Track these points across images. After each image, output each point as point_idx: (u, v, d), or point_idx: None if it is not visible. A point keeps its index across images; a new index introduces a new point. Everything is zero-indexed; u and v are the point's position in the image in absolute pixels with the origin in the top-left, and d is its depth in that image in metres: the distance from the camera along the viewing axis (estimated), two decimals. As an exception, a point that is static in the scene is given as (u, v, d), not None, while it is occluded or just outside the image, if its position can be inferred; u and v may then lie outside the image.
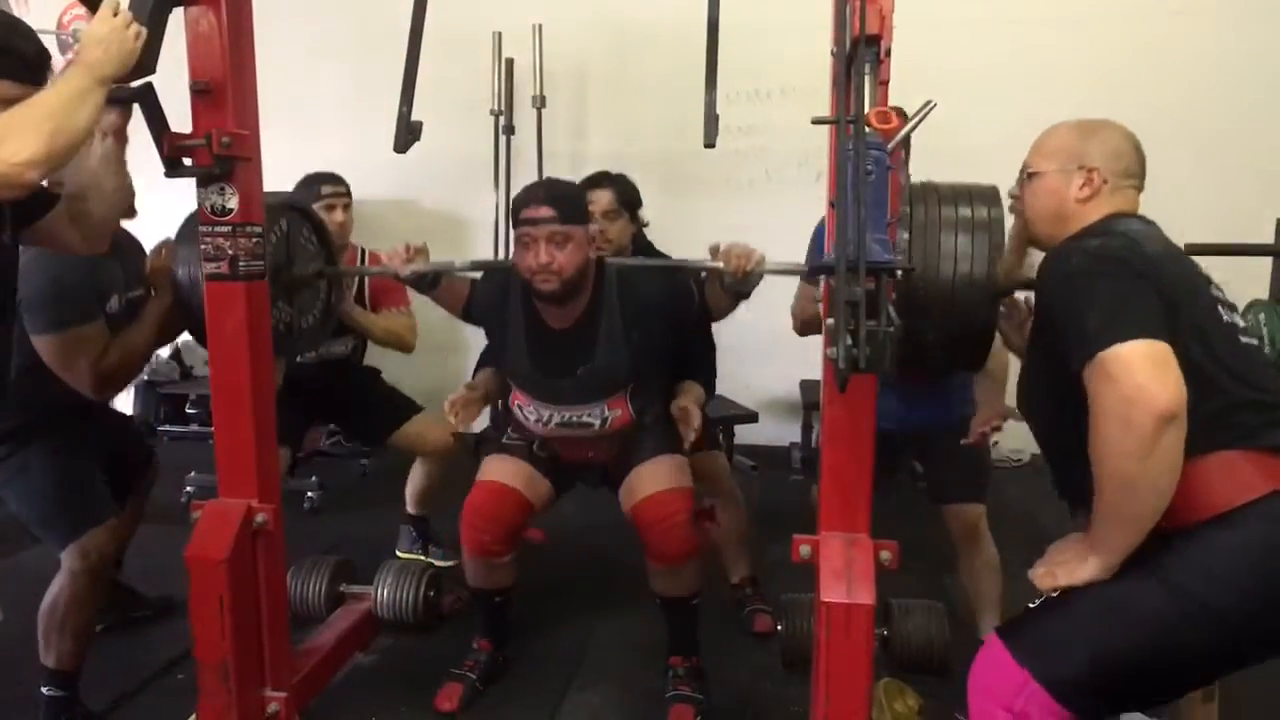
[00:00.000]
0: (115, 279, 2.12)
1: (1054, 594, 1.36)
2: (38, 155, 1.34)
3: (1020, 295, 1.74)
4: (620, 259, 2.20)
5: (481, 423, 3.84)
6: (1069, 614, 1.34)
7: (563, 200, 1.97)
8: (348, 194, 2.81)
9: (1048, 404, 1.47)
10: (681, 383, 2.37)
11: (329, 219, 2.66)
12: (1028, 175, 1.55)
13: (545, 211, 1.93)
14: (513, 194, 4.08)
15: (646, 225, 2.63)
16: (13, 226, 1.61)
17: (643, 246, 2.61)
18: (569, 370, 2.06)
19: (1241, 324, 1.40)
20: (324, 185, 2.77)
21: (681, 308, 2.09)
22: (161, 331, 2.15)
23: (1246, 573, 1.25)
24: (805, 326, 2.36)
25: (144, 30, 1.51)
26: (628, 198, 2.51)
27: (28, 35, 1.52)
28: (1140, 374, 1.19)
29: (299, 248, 2.19)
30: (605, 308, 2.06)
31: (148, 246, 2.27)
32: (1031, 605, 1.41)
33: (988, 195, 1.65)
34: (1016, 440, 4.21)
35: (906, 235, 1.57)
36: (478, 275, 2.25)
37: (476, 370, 2.58)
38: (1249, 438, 1.29)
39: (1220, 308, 1.38)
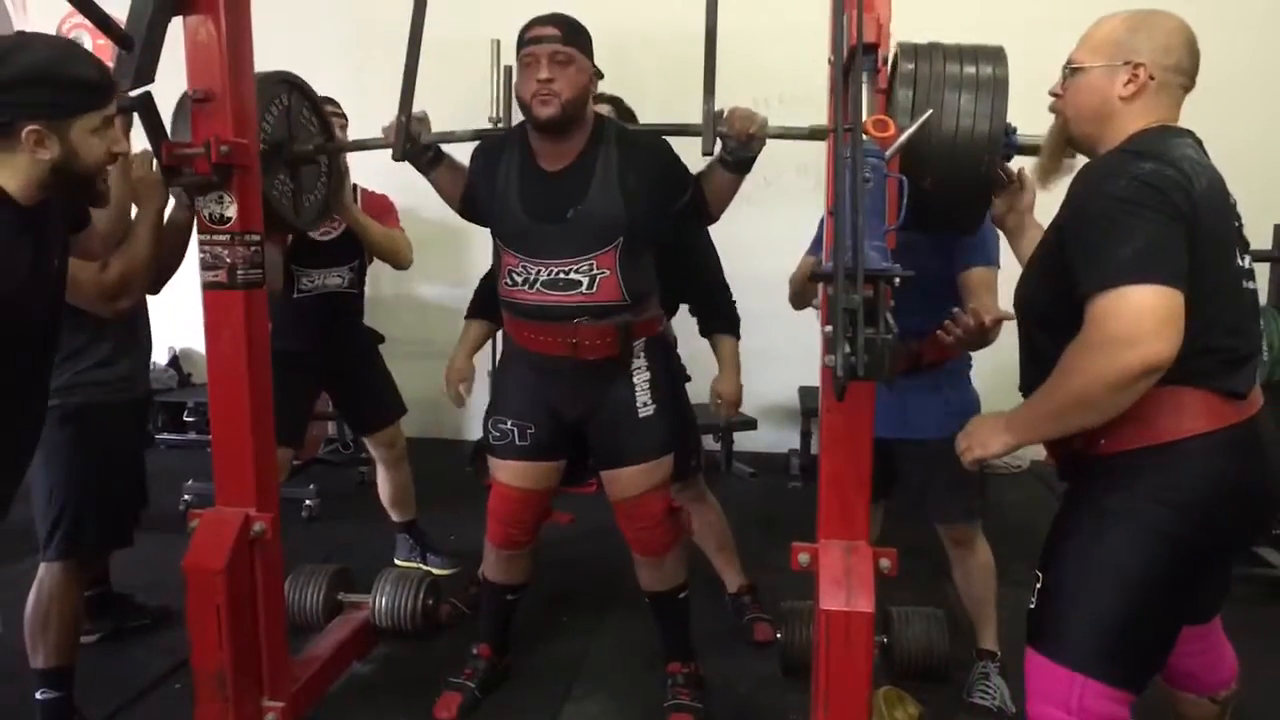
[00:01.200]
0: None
1: (1035, 585, 1.44)
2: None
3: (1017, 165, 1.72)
4: (620, 122, 2.15)
5: (477, 429, 3.85)
6: (1060, 597, 1.40)
7: (567, 22, 1.95)
8: (343, 115, 2.78)
9: (1045, 298, 1.46)
10: (714, 338, 2.45)
11: None
12: (1071, 70, 1.47)
13: (550, 30, 1.92)
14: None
15: (602, 77, 2.35)
16: (63, 251, 1.60)
17: (609, 123, 2.49)
18: (560, 214, 1.97)
19: (1248, 267, 1.43)
20: (324, 106, 2.75)
21: (677, 181, 2.02)
22: (161, 243, 2.08)
23: (1191, 493, 1.33)
24: (799, 297, 2.29)
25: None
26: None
27: (88, 60, 1.48)
28: (1148, 321, 1.22)
29: (299, 124, 2.16)
30: (601, 152, 2.00)
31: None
32: (1031, 606, 1.44)
33: (992, 54, 1.63)
34: (1015, 447, 4.20)
35: (910, 92, 1.55)
36: (474, 159, 2.17)
37: (466, 319, 2.58)
38: (1209, 378, 1.33)
39: (1236, 249, 1.40)
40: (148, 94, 1.65)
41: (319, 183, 2.29)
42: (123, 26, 1.60)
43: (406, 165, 2.00)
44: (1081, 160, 1.49)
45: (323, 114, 2.27)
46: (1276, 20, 3.90)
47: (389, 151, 1.90)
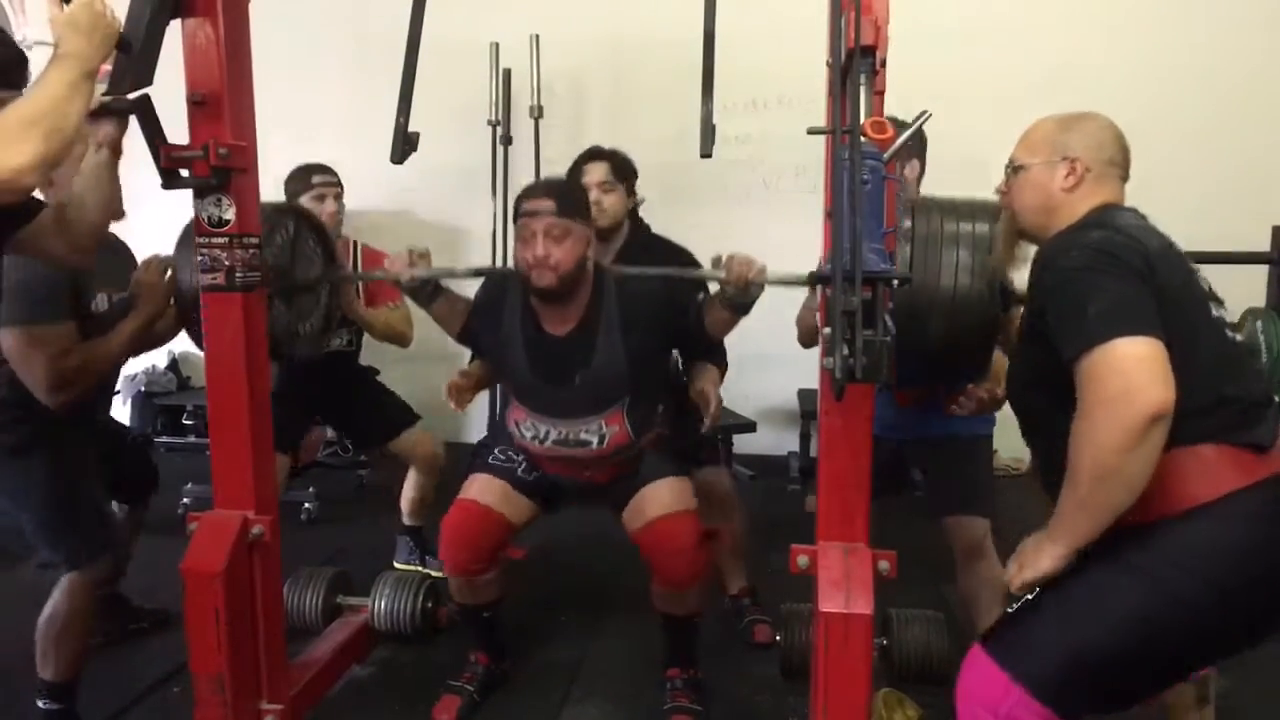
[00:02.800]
0: (110, 276, 2.10)
1: (1027, 596, 1.38)
2: (35, 158, 1.30)
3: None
4: (619, 267, 2.19)
5: (480, 431, 3.85)
6: (1045, 614, 1.36)
7: (563, 194, 1.97)
8: (338, 184, 2.82)
9: (1038, 395, 1.47)
10: (694, 365, 2.36)
11: (320, 209, 2.68)
12: (1013, 169, 1.56)
13: (545, 203, 1.93)
14: (510, 204, 4.12)
15: (643, 201, 2.59)
16: None
17: (638, 228, 2.58)
18: (568, 377, 2.05)
19: (1228, 319, 1.42)
20: (315, 175, 2.78)
21: (678, 308, 2.07)
22: (136, 348, 2.13)
23: (1213, 567, 1.27)
24: (807, 335, 2.34)
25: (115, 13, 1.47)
26: (623, 170, 2.49)
27: (6, 42, 1.51)
28: (1136, 372, 1.21)
29: (301, 252, 2.18)
30: (603, 313, 2.05)
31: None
32: (1010, 610, 1.43)
33: (988, 210, 1.66)
34: (1016, 449, 4.20)
35: (909, 248, 1.57)
36: (477, 302, 2.24)
37: (472, 361, 2.57)
38: (1225, 433, 1.31)
39: (1210, 303, 1.40)
40: (145, 96, 1.65)
41: (318, 307, 2.30)
42: (121, 30, 1.59)
43: (403, 171, 2.00)
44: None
45: (325, 238, 2.28)
46: (1276, 25, 3.91)
47: (387, 154, 1.89)
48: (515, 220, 2.00)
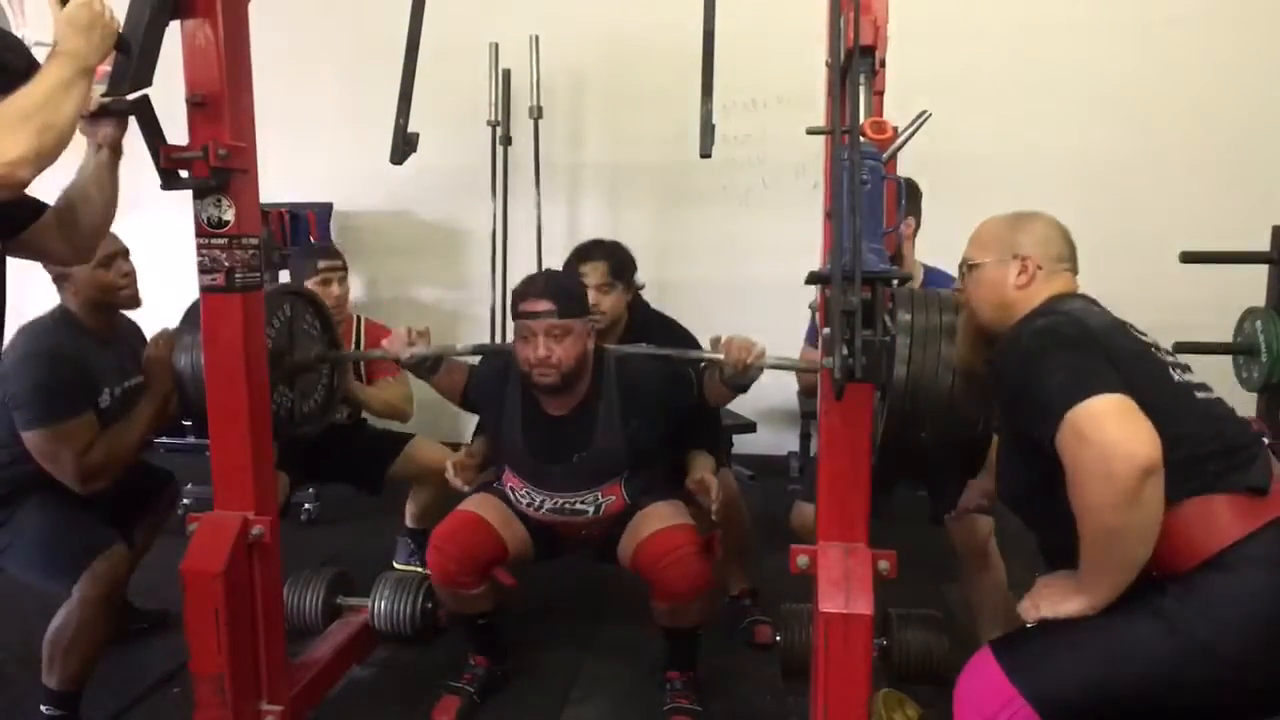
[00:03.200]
0: (110, 371, 2.13)
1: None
2: (28, 153, 1.30)
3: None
4: (620, 348, 2.18)
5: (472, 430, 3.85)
6: (1068, 639, 1.35)
7: (562, 293, 1.98)
8: (344, 267, 2.87)
9: (1028, 486, 1.47)
10: (690, 454, 2.28)
11: (324, 293, 2.70)
12: (968, 267, 1.60)
13: (544, 305, 1.95)
14: (510, 205, 4.12)
15: (642, 288, 2.60)
16: (1, 237, 1.60)
17: (641, 311, 2.59)
18: (565, 457, 2.07)
19: (1196, 380, 1.43)
20: (320, 260, 2.82)
21: (680, 395, 2.11)
22: (154, 428, 2.16)
23: (1249, 618, 1.26)
24: (809, 390, 2.35)
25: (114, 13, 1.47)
26: (621, 267, 2.47)
27: (15, 48, 1.51)
28: (1112, 428, 1.21)
29: (301, 333, 2.19)
30: (604, 396, 2.07)
31: (141, 264, 2.27)
32: (1030, 624, 1.41)
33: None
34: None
35: (908, 340, 1.57)
36: (476, 360, 2.26)
37: (474, 436, 2.57)
38: (1220, 481, 1.31)
39: (1171, 369, 1.41)
40: (144, 97, 1.65)
41: (320, 384, 2.31)
42: (120, 30, 1.59)
43: (402, 172, 1.99)
44: None
45: (325, 316, 2.30)
46: (1275, 26, 3.91)
47: (385, 156, 1.89)
48: (514, 317, 2.02)
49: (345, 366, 2.50)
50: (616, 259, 2.47)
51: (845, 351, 1.23)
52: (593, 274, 2.41)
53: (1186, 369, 1.45)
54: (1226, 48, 3.84)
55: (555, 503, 2.11)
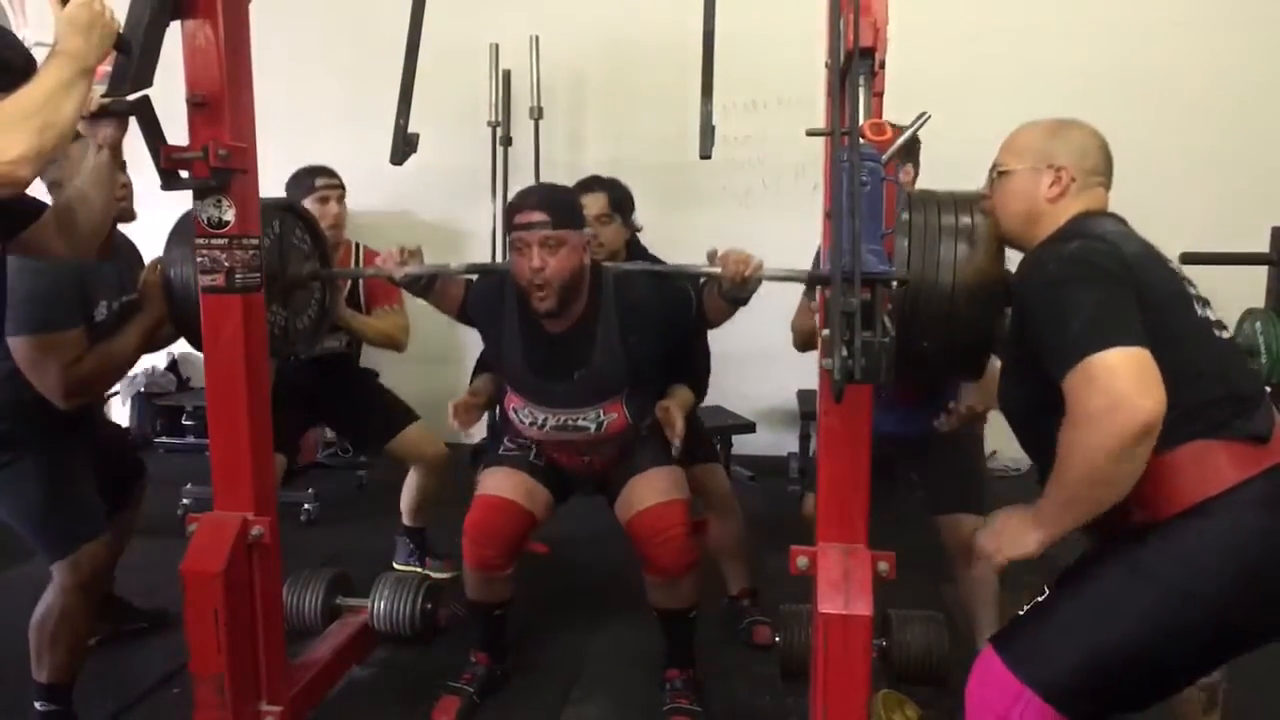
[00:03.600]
0: (108, 284, 2.10)
1: (1038, 598, 1.39)
2: (29, 151, 1.31)
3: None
4: (618, 264, 2.19)
5: (479, 432, 3.85)
6: (1057, 618, 1.36)
7: (556, 204, 1.96)
8: (341, 186, 2.80)
9: (1028, 405, 1.47)
10: (670, 386, 2.34)
11: (323, 211, 2.67)
12: (997, 174, 1.55)
13: (538, 216, 1.93)
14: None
15: (640, 230, 2.61)
16: (1, 237, 1.60)
17: (637, 251, 2.60)
18: (565, 374, 2.05)
19: (1216, 319, 1.42)
20: (317, 178, 2.76)
21: (679, 314, 2.08)
22: (145, 347, 2.13)
23: (1224, 560, 1.27)
24: (804, 341, 2.34)
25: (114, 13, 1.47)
26: (620, 201, 2.50)
27: (15, 46, 1.51)
28: (1124, 382, 1.21)
29: (293, 249, 2.17)
30: (602, 312, 2.05)
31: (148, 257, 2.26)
32: (1020, 613, 1.42)
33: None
34: (1015, 450, 4.20)
35: (906, 242, 1.57)
36: (474, 277, 2.23)
37: (475, 373, 2.57)
38: (1220, 428, 1.31)
39: (1195, 303, 1.40)
40: (145, 98, 1.65)
41: (311, 303, 2.28)
42: (120, 31, 1.59)
43: (402, 172, 1.99)
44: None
45: (317, 232, 2.27)
46: (1272, 23, 3.91)
47: (384, 156, 1.89)
48: (508, 231, 2.00)
49: (337, 286, 2.44)
50: (617, 192, 2.49)
51: (845, 353, 1.23)
52: (593, 204, 2.41)
53: (1207, 304, 1.43)
54: (1225, 49, 3.84)
55: (558, 419, 2.09)
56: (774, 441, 4.35)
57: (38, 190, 1.61)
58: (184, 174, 1.74)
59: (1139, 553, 1.31)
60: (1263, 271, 2.64)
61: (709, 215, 4.17)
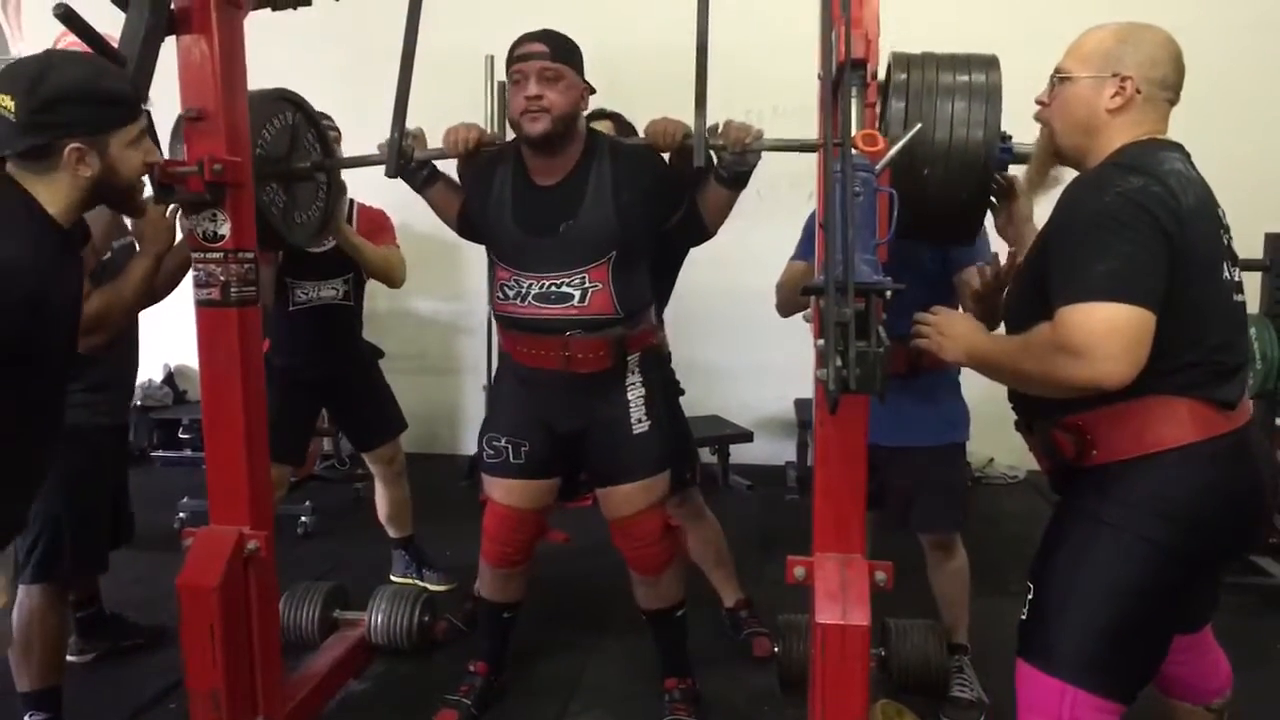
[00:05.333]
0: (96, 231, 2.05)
1: (1029, 597, 1.45)
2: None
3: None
4: (613, 136, 2.14)
5: (475, 443, 3.84)
6: (1050, 604, 1.41)
7: (556, 39, 1.95)
8: (337, 129, 2.79)
9: (1029, 318, 1.44)
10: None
11: None
12: (1058, 79, 1.46)
13: (537, 46, 1.91)
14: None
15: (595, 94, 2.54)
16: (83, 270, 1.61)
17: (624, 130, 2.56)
18: (553, 228, 1.98)
19: (1238, 279, 1.43)
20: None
21: (670, 191, 2.02)
22: (148, 289, 2.07)
23: (1175, 507, 1.33)
24: (787, 301, 2.30)
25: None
26: (627, 128, 2.48)
27: (119, 75, 1.52)
28: (1114, 341, 1.24)
29: (299, 142, 2.15)
30: (594, 166, 2.00)
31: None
32: (1023, 617, 1.45)
33: (984, 62, 1.65)
34: (1012, 458, 4.21)
35: (903, 103, 1.55)
36: (470, 173, 2.17)
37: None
38: (1196, 388, 1.34)
39: (1225, 264, 1.40)
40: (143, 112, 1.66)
41: (315, 202, 2.28)
42: (116, 46, 1.60)
43: (397, 181, 2.00)
44: (1070, 174, 1.49)
45: (324, 134, 2.28)
46: (1268, 28, 3.93)
47: (381, 170, 1.90)
48: (508, 67, 1.96)
49: (341, 186, 2.44)
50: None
51: (839, 363, 1.24)
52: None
53: (1235, 260, 1.43)
54: (1217, 55, 3.85)
55: (542, 284, 1.98)
56: (772, 451, 4.35)
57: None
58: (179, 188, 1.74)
59: (1097, 506, 1.38)
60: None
61: (705, 225, 4.18)
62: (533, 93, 1.88)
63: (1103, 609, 1.35)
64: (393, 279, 2.85)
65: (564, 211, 1.97)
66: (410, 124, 1.94)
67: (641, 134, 1.91)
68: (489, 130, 4.04)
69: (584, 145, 2.01)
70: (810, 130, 1.77)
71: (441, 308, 4.52)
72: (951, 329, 1.48)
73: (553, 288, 1.98)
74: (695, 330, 2.61)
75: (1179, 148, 1.42)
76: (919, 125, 1.58)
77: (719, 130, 1.82)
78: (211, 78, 1.73)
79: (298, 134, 2.13)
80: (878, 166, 1.46)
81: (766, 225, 4.11)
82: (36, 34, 4.46)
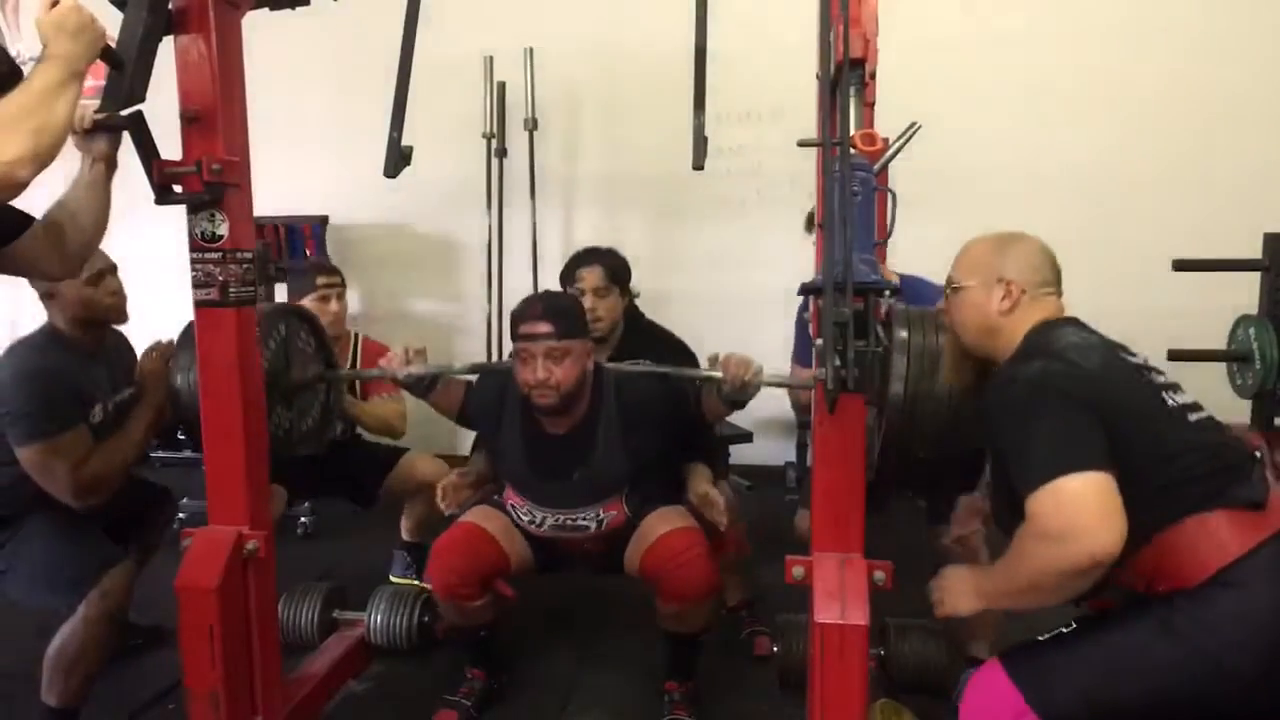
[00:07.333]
0: (100, 385, 2.13)
1: (1061, 629, 1.42)
2: (26, 153, 1.31)
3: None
4: (619, 366, 2.18)
5: (470, 439, 3.84)
6: (1078, 651, 1.37)
7: (561, 315, 1.98)
8: (342, 284, 2.91)
9: (1013, 517, 1.47)
10: (687, 467, 2.30)
11: (323, 310, 2.74)
12: (951, 289, 1.59)
13: (543, 328, 1.95)
14: (505, 218, 4.13)
15: (638, 296, 2.62)
16: None
17: (635, 319, 2.60)
18: (565, 474, 2.07)
19: (1188, 402, 1.45)
20: (319, 276, 2.85)
21: (679, 411, 2.11)
22: (149, 439, 2.16)
23: (1257, 633, 1.27)
24: (802, 407, 2.36)
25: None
26: (617, 273, 2.49)
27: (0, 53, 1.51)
28: (1085, 514, 1.25)
29: (296, 351, 2.19)
30: (603, 413, 2.07)
31: (133, 278, 2.26)
32: (1041, 638, 1.43)
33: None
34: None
35: (905, 358, 1.59)
36: (474, 378, 2.25)
37: (472, 450, 2.56)
38: (1216, 498, 1.33)
39: (1165, 394, 1.43)
40: (138, 113, 1.66)
41: (316, 402, 2.30)
42: (113, 46, 1.60)
43: (396, 185, 2.00)
44: None
45: (320, 333, 2.29)
46: (1269, 33, 3.93)
47: (380, 169, 1.89)
48: (513, 339, 2.01)
49: (340, 383, 2.49)
50: (613, 263, 2.49)
51: (838, 362, 1.24)
52: (590, 277, 2.42)
53: (1178, 389, 1.46)
54: (1217, 56, 3.86)
55: (557, 519, 2.11)
56: (771, 451, 4.34)
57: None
58: (177, 188, 1.74)
59: (1168, 615, 1.32)
60: (1256, 277, 2.65)
61: (704, 225, 4.18)
62: (541, 376, 1.94)
63: (1124, 695, 1.31)
64: (394, 435, 2.89)
65: (576, 461, 2.06)
66: (409, 124, 1.93)
67: (705, 364, 1.94)
68: (489, 130, 4.07)
69: (592, 391, 2.07)
70: (809, 131, 1.77)
71: (440, 309, 4.51)
72: (954, 589, 1.52)
73: (568, 521, 2.11)
74: (693, 330, 2.62)
75: (1072, 321, 1.52)
76: (917, 126, 1.58)
77: (719, 361, 1.87)
78: (210, 78, 1.73)
79: (291, 343, 2.16)
80: (876, 166, 1.46)
81: (766, 225, 4.12)
82: (34, 31, 4.46)
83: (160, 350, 2.15)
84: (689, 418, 2.11)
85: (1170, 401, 1.42)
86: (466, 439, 4.41)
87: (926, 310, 1.68)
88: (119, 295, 2.17)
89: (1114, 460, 1.28)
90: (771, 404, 4.34)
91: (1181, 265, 2.64)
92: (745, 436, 4.04)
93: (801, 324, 2.30)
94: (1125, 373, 1.43)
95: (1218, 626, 1.29)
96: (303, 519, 3.58)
